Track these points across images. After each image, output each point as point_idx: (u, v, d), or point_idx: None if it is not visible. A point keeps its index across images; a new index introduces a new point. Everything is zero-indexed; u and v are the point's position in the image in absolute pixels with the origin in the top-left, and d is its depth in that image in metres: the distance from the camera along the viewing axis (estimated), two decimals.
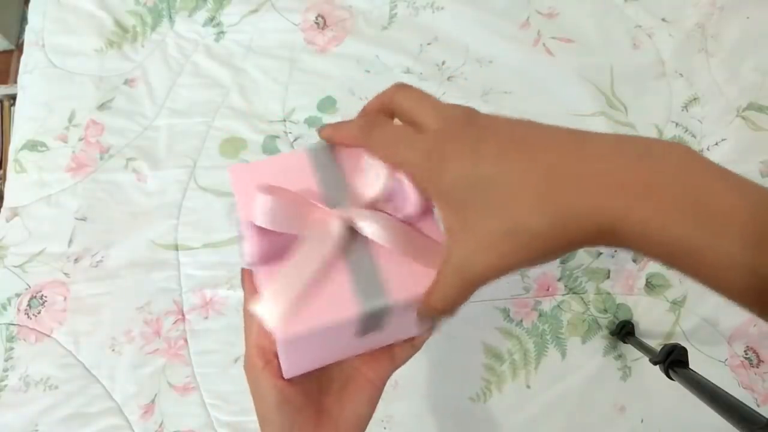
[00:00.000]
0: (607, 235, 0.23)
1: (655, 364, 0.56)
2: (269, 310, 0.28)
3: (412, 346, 0.40)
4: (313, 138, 0.82)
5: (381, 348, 0.39)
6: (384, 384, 0.39)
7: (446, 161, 0.25)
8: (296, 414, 0.35)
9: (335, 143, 0.32)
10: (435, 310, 0.28)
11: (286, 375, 0.35)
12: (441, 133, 0.26)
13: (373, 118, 0.30)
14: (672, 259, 0.22)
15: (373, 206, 0.31)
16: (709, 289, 0.23)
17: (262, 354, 0.35)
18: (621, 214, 0.22)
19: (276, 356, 0.35)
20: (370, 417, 0.38)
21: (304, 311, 0.29)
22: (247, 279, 0.36)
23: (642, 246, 0.23)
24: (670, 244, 0.22)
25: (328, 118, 0.83)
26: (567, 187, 0.23)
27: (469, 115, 0.27)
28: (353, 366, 0.39)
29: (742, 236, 0.21)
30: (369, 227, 0.30)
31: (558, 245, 0.24)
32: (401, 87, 0.30)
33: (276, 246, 0.30)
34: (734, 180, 0.22)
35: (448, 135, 0.26)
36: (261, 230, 0.29)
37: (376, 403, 0.39)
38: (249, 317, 0.36)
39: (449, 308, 0.28)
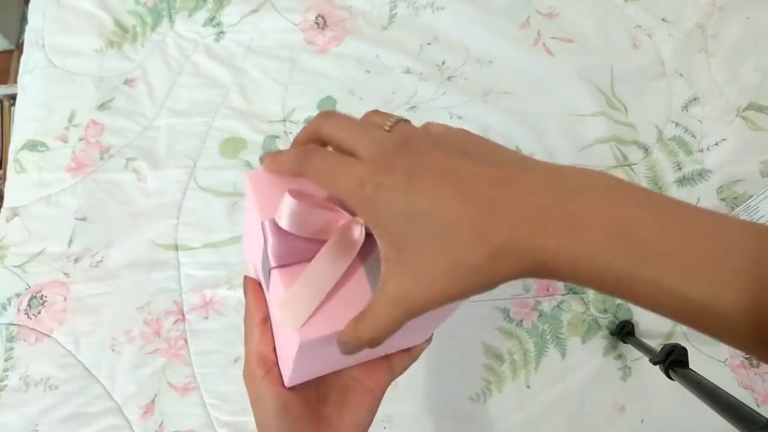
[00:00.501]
0: (540, 270, 0.23)
1: (655, 364, 0.56)
2: (289, 313, 0.28)
3: (410, 356, 0.40)
4: None
5: (380, 358, 0.39)
6: (383, 393, 0.39)
7: (381, 192, 0.25)
8: (295, 422, 0.36)
9: (274, 173, 0.31)
10: (359, 340, 0.27)
11: (290, 383, 0.35)
12: (374, 163, 0.26)
13: (307, 147, 0.29)
14: (604, 288, 0.23)
15: None
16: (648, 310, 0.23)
17: (262, 362, 0.35)
18: (552, 251, 0.22)
19: (276, 364, 0.35)
20: (369, 425, 0.39)
21: (324, 316, 0.29)
22: (249, 288, 0.36)
23: (574, 278, 0.23)
24: (600, 276, 0.22)
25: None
26: (503, 223, 0.23)
27: (403, 141, 0.26)
28: (352, 375, 0.39)
29: (666, 262, 0.21)
30: None
31: (495, 278, 0.24)
32: (327, 116, 0.29)
33: (297, 250, 0.30)
34: (656, 205, 0.22)
35: (381, 165, 0.25)
36: (284, 233, 0.29)
37: (375, 411, 0.39)
38: (249, 325, 0.36)
39: (376, 339, 0.27)
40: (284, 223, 0.28)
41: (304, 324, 0.28)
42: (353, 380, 0.39)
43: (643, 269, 0.21)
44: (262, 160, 0.31)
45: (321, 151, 0.28)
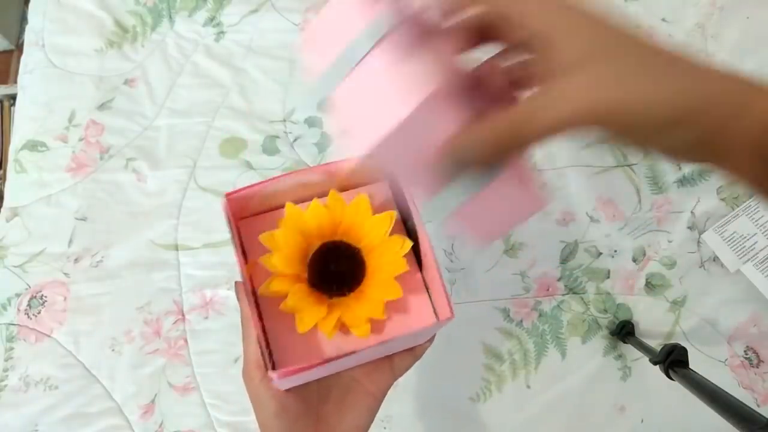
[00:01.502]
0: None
1: (655, 364, 0.56)
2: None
3: (412, 355, 0.40)
4: (312, 138, 0.82)
5: (382, 359, 0.39)
6: (383, 396, 0.39)
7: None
8: (294, 422, 0.36)
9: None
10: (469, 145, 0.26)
11: (284, 387, 0.35)
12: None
13: None
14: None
15: None
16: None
17: (260, 364, 0.35)
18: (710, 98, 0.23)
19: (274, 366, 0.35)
20: (368, 428, 0.39)
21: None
22: (241, 292, 0.36)
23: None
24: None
25: (329, 118, 0.83)
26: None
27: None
28: (353, 377, 0.39)
29: None
30: None
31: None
32: None
33: None
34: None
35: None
36: None
37: (375, 414, 0.39)
38: (246, 327, 0.36)
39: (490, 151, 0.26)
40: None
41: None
42: (354, 382, 0.39)
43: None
44: None
45: None
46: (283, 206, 0.37)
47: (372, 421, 0.39)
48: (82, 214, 0.80)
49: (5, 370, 0.74)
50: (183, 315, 0.75)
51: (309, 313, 0.35)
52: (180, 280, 0.76)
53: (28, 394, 0.73)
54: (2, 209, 0.82)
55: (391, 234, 0.36)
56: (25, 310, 0.76)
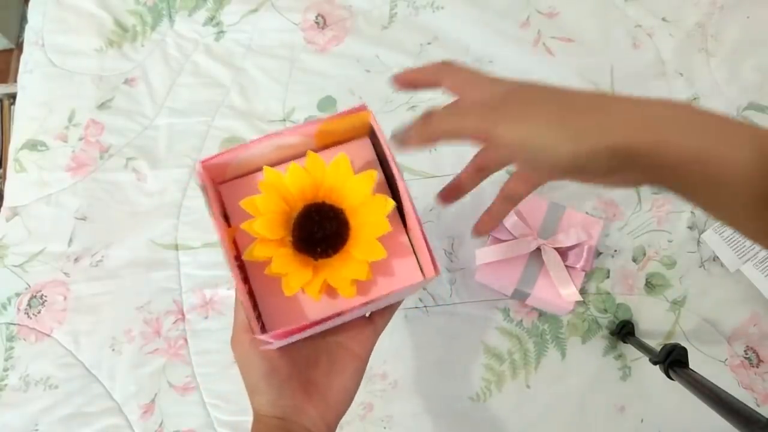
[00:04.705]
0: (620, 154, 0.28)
1: (655, 364, 0.56)
2: None
3: (390, 311, 0.41)
4: None
5: (363, 320, 0.40)
6: (369, 356, 0.40)
7: (505, 104, 0.30)
8: (284, 383, 0.37)
9: (412, 81, 0.37)
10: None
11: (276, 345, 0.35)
12: (500, 88, 0.32)
13: (444, 63, 0.36)
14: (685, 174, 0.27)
15: None
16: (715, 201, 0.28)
17: (249, 328, 0.36)
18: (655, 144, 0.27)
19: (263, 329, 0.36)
20: (356, 390, 0.40)
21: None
22: (234, 274, 0.36)
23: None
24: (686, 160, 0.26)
25: None
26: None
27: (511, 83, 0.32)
28: (338, 342, 0.40)
29: (752, 143, 0.25)
30: None
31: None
32: (447, 66, 0.35)
33: None
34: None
35: (506, 90, 0.32)
36: None
37: (362, 375, 0.40)
38: (239, 299, 0.37)
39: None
40: None
41: None
42: (340, 346, 0.40)
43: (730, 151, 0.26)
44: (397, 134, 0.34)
45: (456, 66, 0.35)
46: (260, 169, 0.37)
47: (359, 384, 0.40)
48: (82, 213, 0.80)
49: (5, 369, 0.74)
50: (183, 315, 0.75)
51: (295, 276, 0.35)
52: (180, 280, 0.76)
53: (28, 394, 0.73)
54: (2, 209, 0.82)
55: (374, 194, 0.36)
56: (25, 309, 0.76)
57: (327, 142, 0.38)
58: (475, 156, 0.39)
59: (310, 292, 0.35)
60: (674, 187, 0.28)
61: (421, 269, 0.38)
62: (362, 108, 0.36)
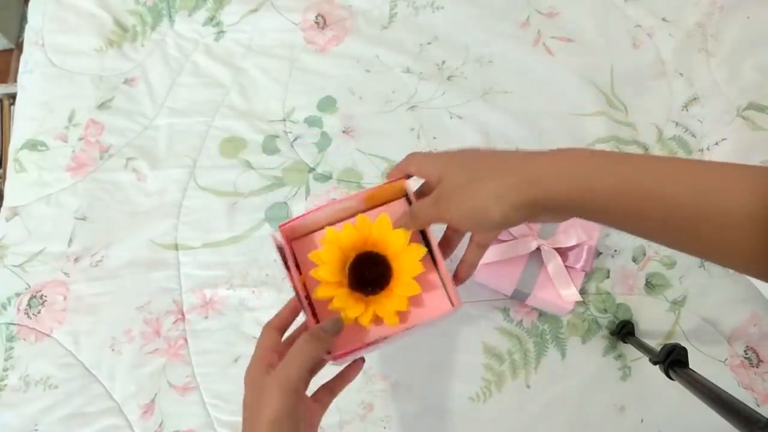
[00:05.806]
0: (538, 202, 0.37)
1: (655, 364, 0.56)
2: None
3: (343, 379, 0.49)
4: (312, 137, 0.82)
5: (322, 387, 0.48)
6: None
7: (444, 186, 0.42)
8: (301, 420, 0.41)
9: (396, 176, 0.47)
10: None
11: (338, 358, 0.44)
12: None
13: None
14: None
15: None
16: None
17: (270, 360, 0.42)
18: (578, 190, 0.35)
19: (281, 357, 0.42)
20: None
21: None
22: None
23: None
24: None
25: (328, 118, 0.83)
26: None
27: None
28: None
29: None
30: None
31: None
32: (411, 156, 0.45)
33: None
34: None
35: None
36: None
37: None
38: (310, 326, 0.45)
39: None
40: None
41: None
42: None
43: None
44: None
45: (414, 155, 0.45)
46: (318, 228, 0.49)
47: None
48: (81, 213, 0.80)
49: (5, 369, 0.74)
50: (183, 315, 0.75)
51: (351, 310, 0.45)
52: (180, 280, 0.76)
53: (27, 394, 0.73)
54: (2, 209, 0.82)
55: (409, 243, 0.46)
56: (25, 309, 0.76)
57: (374, 204, 0.50)
58: (444, 232, 0.49)
59: (363, 321, 0.46)
60: (599, 220, 0.36)
61: (450, 301, 0.47)
62: (401, 178, 0.47)
